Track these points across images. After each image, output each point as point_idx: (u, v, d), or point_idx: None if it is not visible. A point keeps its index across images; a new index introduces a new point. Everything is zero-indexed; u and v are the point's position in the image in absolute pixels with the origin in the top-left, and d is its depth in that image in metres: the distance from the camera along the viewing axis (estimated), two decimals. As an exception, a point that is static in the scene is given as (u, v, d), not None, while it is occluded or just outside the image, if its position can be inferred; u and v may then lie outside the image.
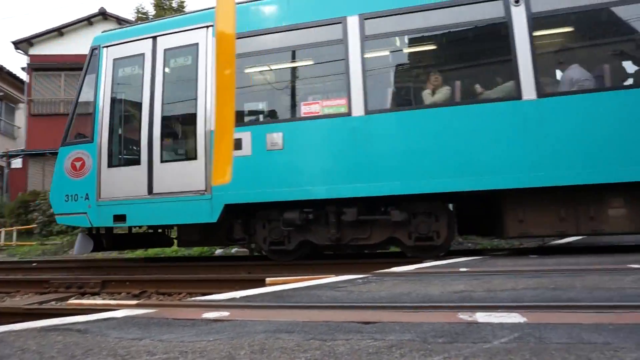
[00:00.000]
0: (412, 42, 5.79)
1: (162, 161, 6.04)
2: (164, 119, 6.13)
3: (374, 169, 5.24)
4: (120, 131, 6.50)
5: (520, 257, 5.22)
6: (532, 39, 4.99)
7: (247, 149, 5.63)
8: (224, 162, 1.40)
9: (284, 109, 6.07)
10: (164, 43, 6.27)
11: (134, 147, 6.32)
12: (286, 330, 1.80)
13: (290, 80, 6.09)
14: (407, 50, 5.94)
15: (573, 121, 4.80)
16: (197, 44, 6.08)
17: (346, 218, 5.57)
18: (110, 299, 5.02)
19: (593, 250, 5.96)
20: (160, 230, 7.80)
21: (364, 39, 5.48)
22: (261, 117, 6.08)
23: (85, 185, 6.27)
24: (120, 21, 19.42)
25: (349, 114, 5.40)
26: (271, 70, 6.17)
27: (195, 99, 5.94)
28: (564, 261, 4.22)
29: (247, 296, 2.83)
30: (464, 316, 1.94)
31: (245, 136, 5.65)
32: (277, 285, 3.44)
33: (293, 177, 5.46)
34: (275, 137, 5.58)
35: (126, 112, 6.55)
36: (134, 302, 3.09)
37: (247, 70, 6.03)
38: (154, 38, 6.32)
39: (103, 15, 19.40)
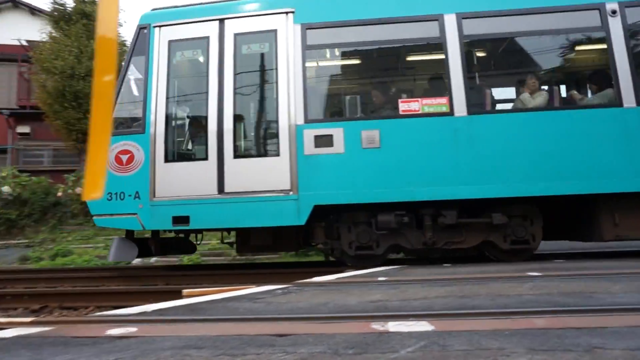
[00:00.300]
0: (511, 44, 5.81)
1: (235, 157, 5.54)
2: (237, 110, 5.65)
3: (477, 171, 5.24)
4: (179, 122, 5.92)
5: (435, 266, 5.49)
6: (630, 49, 5.26)
7: (339, 146, 5.39)
8: (98, 175, 1.32)
9: (380, 105, 5.85)
10: (233, 27, 5.80)
11: (199, 140, 5.77)
12: (196, 345, 1.72)
13: (387, 75, 6.02)
14: (506, 53, 5.96)
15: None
16: (275, 31, 5.72)
17: (445, 221, 5.46)
18: (2, 316, 4.54)
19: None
20: (182, 235, 6.87)
21: (463, 38, 5.48)
22: (355, 113, 5.72)
23: (134, 182, 5.54)
24: (33, 10, 17.97)
25: (451, 113, 5.36)
26: (365, 63, 6.03)
27: (277, 90, 5.59)
28: (473, 270, 4.50)
29: (159, 309, 2.68)
30: (377, 326, 1.98)
31: (337, 132, 5.41)
32: (194, 297, 3.31)
33: (391, 178, 5.30)
34: (372, 135, 5.37)
35: (187, 101, 6.00)
36: (30, 319, 2.82)
37: (338, 62, 5.91)
38: (221, 21, 5.80)
39: (13, 2, 17.85)
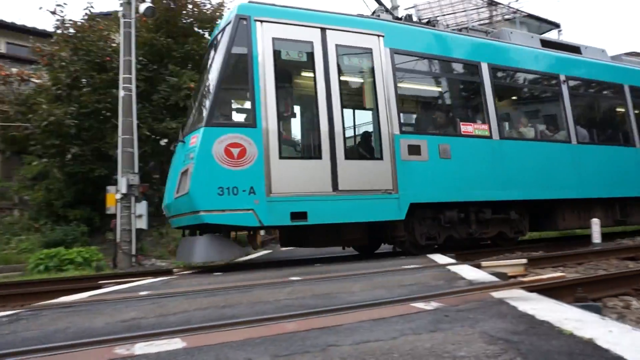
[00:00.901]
0: (513, 92, 8.38)
1: (346, 158, 5.96)
2: (344, 116, 6.05)
3: (504, 180, 7.02)
4: (290, 120, 6.17)
5: (206, 275, 5.40)
6: (573, 107, 8.21)
7: (424, 155, 6.43)
8: None
9: (449, 124, 7.11)
10: (334, 38, 6.16)
11: (312, 140, 6.03)
12: None
13: (452, 101, 7.60)
14: (520, 98, 8.41)
15: (598, 161, 8.13)
16: (371, 50, 6.39)
17: (485, 217, 7.04)
18: None
19: (274, 264, 6.76)
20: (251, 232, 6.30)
21: (497, 83, 7.55)
22: (433, 129, 6.93)
23: (248, 177, 5.38)
24: None
25: (490, 137, 7.06)
26: (435, 88, 7.51)
27: (376, 101, 6.28)
28: (242, 277, 4.57)
29: None
30: (121, 350, 1.77)
31: (423, 144, 6.45)
32: None
33: (458, 182, 6.62)
34: (446, 148, 6.61)
35: (297, 101, 6.27)
36: None
37: (417, 85, 7.09)
38: (323, 29, 6.14)
39: None
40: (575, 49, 8.87)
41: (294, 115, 6.34)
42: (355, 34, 6.41)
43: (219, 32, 6.21)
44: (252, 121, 5.59)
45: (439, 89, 7.59)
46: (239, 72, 5.77)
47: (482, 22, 25.37)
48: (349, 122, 6.51)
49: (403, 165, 6.28)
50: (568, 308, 2.11)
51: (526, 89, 8.42)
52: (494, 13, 25.10)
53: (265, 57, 5.76)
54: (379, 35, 6.53)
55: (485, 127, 7.09)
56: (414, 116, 7.33)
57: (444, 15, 25.24)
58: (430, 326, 1.90)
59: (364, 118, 6.81)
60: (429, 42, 7.10)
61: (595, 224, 7.48)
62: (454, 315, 2.11)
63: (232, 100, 6.03)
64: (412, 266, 4.59)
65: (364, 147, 6.56)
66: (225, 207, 5.30)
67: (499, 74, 7.64)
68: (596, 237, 7.39)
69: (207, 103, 5.65)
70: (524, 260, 4.56)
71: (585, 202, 8.08)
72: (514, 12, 25.05)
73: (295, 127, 6.42)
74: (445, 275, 3.76)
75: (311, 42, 6.08)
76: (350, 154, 6.14)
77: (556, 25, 26.92)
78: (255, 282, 3.90)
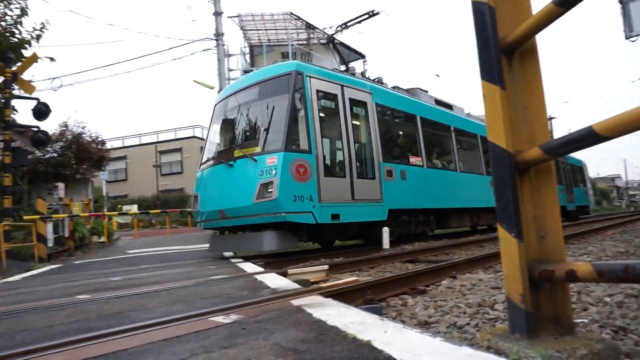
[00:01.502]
0: (430, 137, 11.36)
1: (357, 177, 8.31)
2: (355, 147, 8.53)
3: (428, 195, 10.31)
4: (329, 148, 8.18)
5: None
6: (458, 143, 12.17)
7: (394, 176, 9.28)
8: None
9: (404, 156, 10.12)
10: (347, 92, 8.61)
11: (340, 163, 8.23)
12: None
13: (405, 140, 10.70)
14: (433, 140, 11.54)
15: (468, 183, 12.13)
16: (366, 102, 9.06)
17: (418, 219, 10.32)
18: None
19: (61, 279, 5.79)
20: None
21: (424, 129, 10.84)
22: (397, 159, 9.85)
23: (309, 188, 7.29)
24: None
25: (423, 166, 10.38)
26: (397, 131, 10.71)
27: (370, 140, 8.95)
28: (21, 298, 3.77)
29: None
30: None
31: (393, 169, 9.33)
32: None
33: (409, 196, 9.70)
34: (404, 172, 9.63)
35: (329, 135, 8.21)
36: None
37: (389, 128, 10.05)
38: (342, 87, 8.54)
39: None
40: (449, 106, 12.88)
41: (331, 146, 8.31)
42: (358, 91, 8.96)
43: (272, 78, 8.01)
44: (308, 148, 7.50)
45: (399, 131, 10.72)
46: (299, 112, 7.58)
47: (300, 42, 27.07)
48: (357, 155, 8.65)
49: (385, 183, 8.91)
50: (355, 312, 2.27)
51: (436, 134, 11.82)
52: (312, 36, 27.03)
53: (313, 102, 7.79)
54: (369, 93, 9.21)
55: (420, 159, 10.45)
56: (388, 149, 9.62)
57: (266, 29, 26.11)
58: (225, 342, 1.82)
59: (363, 149, 8.93)
60: (393, 100, 10.18)
61: (385, 232, 8.55)
62: (250, 328, 2.06)
63: (296, 133, 7.54)
64: (219, 277, 4.47)
65: (366, 170, 8.75)
66: (297, 209, 7.11)
67: (424, 124, 10.96)
68: (386, 244, 8.43)
69: (278, 134, 7.34)
70: (326, 267, 4.87)
71: (461, 210, 12.09)
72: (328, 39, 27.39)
73: (331, 154, 8.28)
74: (252, 284, 3.75)
75: (336, 94, 8.41)
76: (360, 175, 8.45)
77: (362, 56, 30.42)
78: (30, 305, 3.26)
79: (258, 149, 7.40)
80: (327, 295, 2.97)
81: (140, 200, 30.60)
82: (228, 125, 8.63)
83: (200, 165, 8.65)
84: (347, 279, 3.96)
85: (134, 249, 11.86)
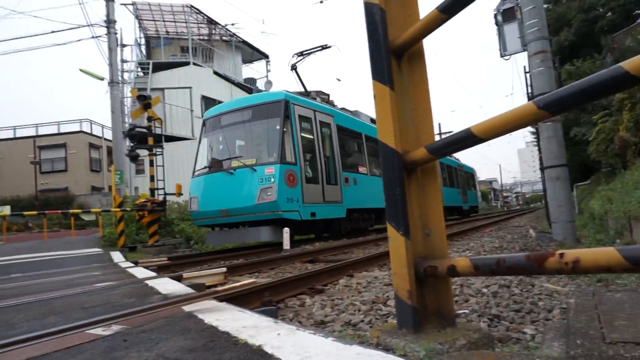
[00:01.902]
0: (371, 149, 14.00)
1: (327, 184, 10.79)
2: (324, 159, 10.90)
3: (369, 197, 12.83)
4: (308, 161, 10.39)
5: None
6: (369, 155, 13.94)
7: (349, 182, 11.84)
8: None
9: (355, 166, 12.74)
10: (317, 116, 11.07)
11: (315, 172, 10.53)
12: None
13: (355, 153, 13.21)
14: (371, 153, 14.04)
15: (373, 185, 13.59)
16: (330, 123, 11.60)
17: (364, 216, 12.91)
18: None
19: None
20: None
21: (367, 144, 13.71)
22: (351, 168, 12.36)
23: (296, 192, 9.65)
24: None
25: (367, 174, 13.24)
26: (352, 146, 13.17)
27: (333, 154, 11.35)
28: None
29: None
30: None
31: (349, 176, 11.89)
32: None
33: (359, 198, 12.25)
34: (356, 179, 12.27)
35: (307, 150, 10.39)
36: None
37: (345, 144, 12.44)
38: (314, 111, 11.00)
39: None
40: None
41: (309, 159, 10.43)
42: (325, 115, 11.44)
43: (264, 103, 10.19)
44: (295, 161, 9.75)
45: (351, 146, 13.08)
46: (287, 132, 9.79)
47: (202, 37, 26.13)
48: (327, 164, 10.98)
49: (344, 188, 11.41)
50: (249, 315, 2.20)
51: (375, 147, 13.65)
52: (214, 32, 26.25)
53: (296, 124, 10.03)
54: (332, 115, 11.77)
55: (365, 168, 13.19)
56: (344, 161, 12.00)
57: (165, 21, 24.79)
58: (100, 357, 1.63)
59: (329, 161, 11.21)
60: (347, 121, 12.76)
61: (286, 232, 8.55)
62: (133, 339, 1.89)
63: (286, 149, 9.68)
64: (105, 284, 4.09)
65: (331, 177, 11.05)
66: (289, 208, 9.27)
67: (367, 139, 13.63)
68: (286, 244, 8.44)
69: (273, 149, 9.66)
70: (223, 269, 4.71)
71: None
72: (231, 36, 26.83)
73: (309, 165, 10.38)
74: (141, 291, 3.48)
75: (311, 118, 10.72)
76: (328, 181, 10.85)
77: (266, 56, 30.29)
78: None
79: (255, 161, 9.75)
80: (222, 299, 2.85)
81: (14, 200, 27.16)
82: (222, 139, 10.82)
83: (194, 172, 10.61)
84: (245, 281, 3.86)
85: (2, 257, 10.47)
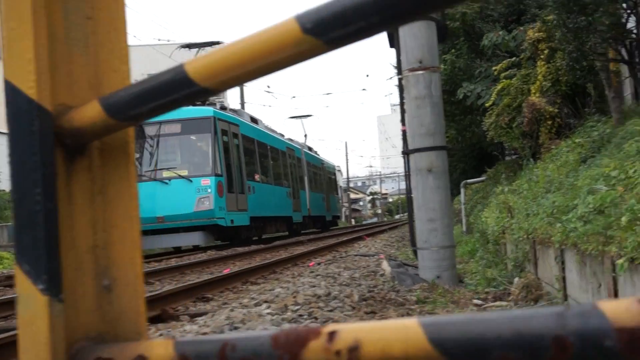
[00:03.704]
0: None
1: (239, 193, 13.53)
2: (237, 171, 13.98)
3: (276, 206, 17.77)
4: (227, 172, 12.81)
5: None
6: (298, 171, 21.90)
7: (253, 191, 14.55)
8: None
9: (263, 175, 16.25)
10: (232, 128, 13.78)
11: (230, 183, 12.96)
12: None
13: (265, 165, 16.90)
14: (275, 161, 19.68)
15: (302, 197, 21.66)
16: (254, 140, 16.09)
17: (270, 224, 17.41)
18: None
19: None
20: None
21: (271, 155, 18.39)
22: (257, 178, 15.45)
23: (222, 201, 12.20)
24: None
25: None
26: (262, 158, 16.77)
27: (239, 162, 14.46)
28: None
29: None
30: None
31: (255, 185, 14.90)
32: None
33: (265, 206, 15.66)
34: (261, 189, 15.47)
35: (226, 162, 12.93)
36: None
37: (257, 156, 16.14)
38: (236, 125, 14.02)
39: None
40: (282, 134, 19.62)
41: (234, 169, 13.55)
42: (233, 125, 14.01)
43: (194, 119, 12.38)
44: (221, 172, 12.56)
45: (260, 156, 16.52)
46: (215, 146, 12.35)
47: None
48: (237, 174, 13.54)
49: (249, 197, 14.16)
50: None
51: (276, 158, 18.37)
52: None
53: (220, 138, 12.60)
54: (237, 125, 14.38)
55: (269, 178, 17.19)
56: (251, 171, 15.40)
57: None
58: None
59: (239, 171, 14.00)
60: (254, 132, 16.29)
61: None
62: None
63: (216, 161, 12.27)
64: None
65: (244, 187, 13.88)
66: (219, 216, 12.14)
67: (272, 151, 17.04)
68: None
69: (205, 161, 12.49)
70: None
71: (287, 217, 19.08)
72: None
73: (228, 176, 12.93)
74: None
75: (227, 130, 13.15)
76: (245, 192, 13.73)
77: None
78: None
79: (187, 172, 11.70)
80: None
81: None
82: (153, 148, 12.04)
83: None
84: None
85: None
